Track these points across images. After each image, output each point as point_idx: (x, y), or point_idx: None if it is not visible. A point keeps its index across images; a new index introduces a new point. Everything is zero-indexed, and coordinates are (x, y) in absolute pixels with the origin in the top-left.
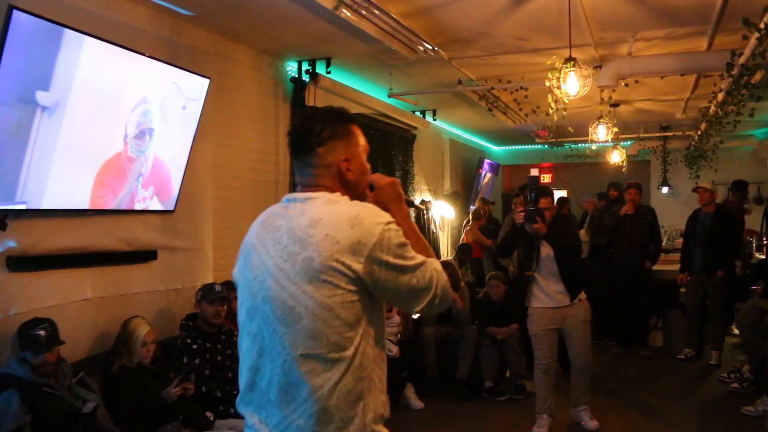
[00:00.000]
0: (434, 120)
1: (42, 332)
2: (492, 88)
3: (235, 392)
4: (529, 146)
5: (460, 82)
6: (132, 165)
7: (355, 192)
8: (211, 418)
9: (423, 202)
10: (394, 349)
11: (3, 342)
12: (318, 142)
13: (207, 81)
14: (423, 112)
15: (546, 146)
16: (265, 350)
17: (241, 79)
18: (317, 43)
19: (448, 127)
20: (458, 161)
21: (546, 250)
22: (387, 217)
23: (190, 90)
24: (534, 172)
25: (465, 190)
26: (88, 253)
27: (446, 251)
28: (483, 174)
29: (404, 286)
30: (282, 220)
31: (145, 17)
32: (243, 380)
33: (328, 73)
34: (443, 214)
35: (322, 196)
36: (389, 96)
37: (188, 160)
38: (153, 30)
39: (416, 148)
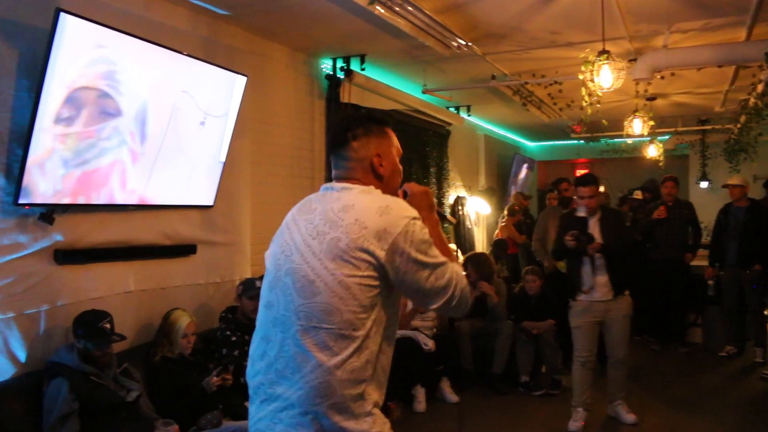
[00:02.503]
0: (469, 116)
1: (108, 325)
2: (526, 83)
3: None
4: (565, 142)
5: (493, 77)
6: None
7: (388, 190)
8: None
9: (458, 198)
10: (430, 343)
11: (52, 331)
12: (353, 136)
13: (244, 79)
14: (457, 108)
15: (582, 141)
16: (278, 320)
17: (277, 76)
18: (351, 41)
19: (482, 122)
20: (493, 157)
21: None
22: (414, 212)
23: (210, 104)
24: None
25: (500, 186)
26: (130, 246)
27: (482, 247)
28: (520, 169)
29: (423, 281)
30: (318, 204)
31: (183, 18)
32: (256, 350)
33: (363, 69)
34: (478, 209)
35: (358, 187)
36: (423, 92)
37: (227, 155)
38: (191, 30)
39: (451, 143)
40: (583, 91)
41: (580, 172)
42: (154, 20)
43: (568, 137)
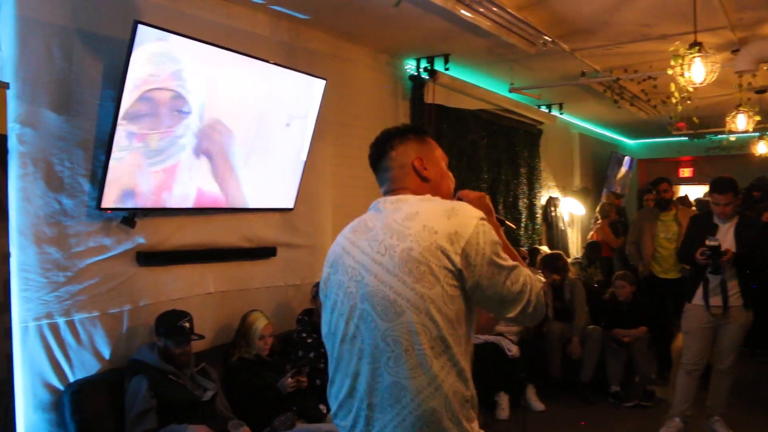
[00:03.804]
0: (561, 114)
1: (187, 324)
2: (617, 80)
3: None
4: (667, 139)
5: (583, 74)
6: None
7: (438, 195)
8: (324, 411)
9: (551, 199)
10: (514, 349)
11: (134, 329)
12: (391, 146)
13: (323, 82)
14: (549, 107)
15: (686, 138)
16: (365, 351)
17: (360, 79)
18: (434, 40)
19: (576, 120)
20: (588, 156)
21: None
22: (481, 213)
23: (293, 105)
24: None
25: (596, 186)
26: (211, 249)
27: (576, 249)
28: (617, 168)
29: (500, 285)
30: (374, 221)
31: (264, 24)
32: (341, 389)
33: (447, 69)
34: (572, 210)
35: (412, 196)
36: (510, 90)
37: (306, 159)
38: (272, 36)
39: (543, 143)
40: (673, 87)
41: (683, 171)
42: (235, 27)
43: (669, 134)
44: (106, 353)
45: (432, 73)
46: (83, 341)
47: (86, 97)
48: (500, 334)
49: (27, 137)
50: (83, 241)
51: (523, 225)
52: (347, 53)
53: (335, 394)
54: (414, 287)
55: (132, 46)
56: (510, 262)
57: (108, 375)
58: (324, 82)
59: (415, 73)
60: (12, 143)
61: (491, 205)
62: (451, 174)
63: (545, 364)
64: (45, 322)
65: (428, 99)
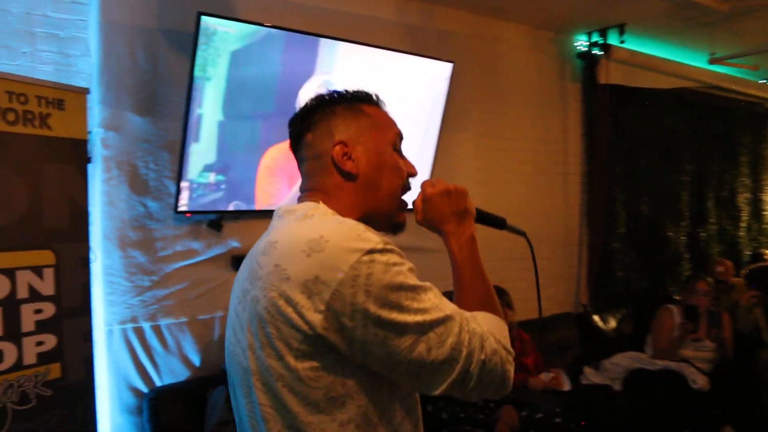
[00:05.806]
0: None
1: None
2: None
3: (462, 415)
4: None
5: None
6: None
7: (378, 196)
8: None
9: None
10: (700, 381)
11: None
12: (307, 126)
13: (450, 66)
14: None
15: None
16: (238, 422)
17: (513, 60)
18: (602, 9)
19: None
20: None
21: None
22: (372, 241)
23: (420, 95)
24: None
25: None
26: None
27: None
28: None
29: (403, 353)
30: (257, 245)
31: (389, 7)
32: None
33: (622, 42)
34: None
35: (303, 207)
36: (710, 62)
37: (435, 155)
38: (399, 19)
39: None
40: None
41: None
42: (352, 14)
43: None
44: (196, 360)
45: (605, 48)
46: (170, 347)
47: (172, 97)
48: (685, 360)
49: (111, 141)
50: (170, 245)
51: (744, 225)
52: (496, 32)
53: None
54: (260, 355)
55: (197, 40)
56: (432, 314)
57: (192, 383)
58: (451, 65)
59: (585, 50)
60: (96, 148)
61: (470, 205)
62: (406, 162)
63: (752, 399)
64: (130, 326)
65: (602, 79)
